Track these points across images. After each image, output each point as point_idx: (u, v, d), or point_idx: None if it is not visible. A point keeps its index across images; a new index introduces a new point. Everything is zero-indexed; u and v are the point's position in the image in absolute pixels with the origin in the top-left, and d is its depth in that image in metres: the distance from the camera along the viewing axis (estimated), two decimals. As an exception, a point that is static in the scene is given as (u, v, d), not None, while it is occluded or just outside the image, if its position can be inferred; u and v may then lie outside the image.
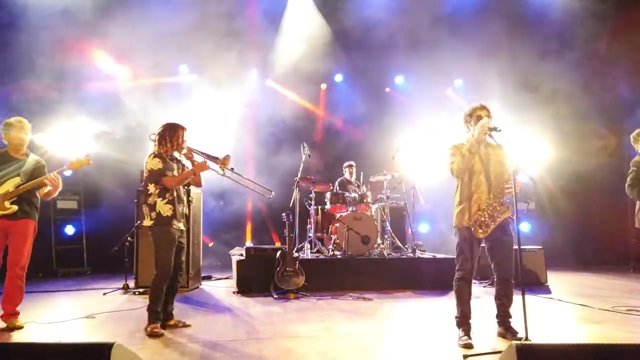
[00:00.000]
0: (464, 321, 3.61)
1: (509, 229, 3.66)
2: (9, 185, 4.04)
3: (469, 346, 3.43)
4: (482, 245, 3.72)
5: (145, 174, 4.18)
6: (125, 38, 8.22)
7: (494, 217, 3.54)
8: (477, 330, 4.01)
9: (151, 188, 4.12)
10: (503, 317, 3.71)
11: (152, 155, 4.17)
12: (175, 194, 4.21)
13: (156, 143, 4.27)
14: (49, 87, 7.65)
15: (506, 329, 3.67)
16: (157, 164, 4.10)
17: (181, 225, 4.25)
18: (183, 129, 4.32)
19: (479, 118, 3.64)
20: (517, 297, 5.20)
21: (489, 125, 3.54)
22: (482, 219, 3.56)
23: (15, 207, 4.02)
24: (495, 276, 3.72)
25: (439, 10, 9.05)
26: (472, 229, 3.58)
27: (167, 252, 4.09)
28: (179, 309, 4.73)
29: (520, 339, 3.53)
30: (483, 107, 3.72)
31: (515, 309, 4.77)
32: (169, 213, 4.10)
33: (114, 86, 8.96)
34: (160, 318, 4.08)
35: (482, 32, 8.86)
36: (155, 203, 4.09)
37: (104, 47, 8.39)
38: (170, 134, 4.24)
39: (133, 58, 8.82)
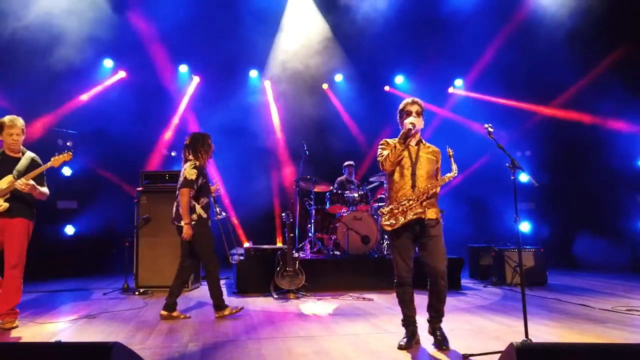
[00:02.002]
0: (405, 323, 3.60)
1: (434, 230, 3.48)
2: (3, 184, 4.06)
3: (403, 348, 3.43)
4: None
5: (181, 179, 4.55)
6: (124, 38, 8.24)
7: (406, 213, 3.42)
8: (474, 330, 4.02)
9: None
10: (431, 325, 3.58)
11: (193, 165, 4.58)
12: (209, 198, 4.77)
13: (190, 155, 4.62)
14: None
15: (435, 338, 3.52)
16: (192, 174, 4.53)
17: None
18: (208, 136, 4.82)
19: (409, 114, 3.58)
20: (517, 297, 5.21)
21: (410, 125, 3.48)
22: (395, 211, 3.47)
23: (6, 205, 4.02)
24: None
25: (439, 10, 9.04)
26: (383, 220, 3.51)
27: (212, 247, 4.69)
28: (179, 309, 4.72)
29: (446, 347, 3.42)
30: (414, 102, 3.63)
31: (516, 309, 4.80)
32: (205, 215, 4.65)
33: (113, 86, 8.97)
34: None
35: (481, 31, 8.85)
36: (194, 206, 4.58)
37: (103, 47, 8.37)
38: (203, 145, 4.72)
39: (133, 58, 8.83)
